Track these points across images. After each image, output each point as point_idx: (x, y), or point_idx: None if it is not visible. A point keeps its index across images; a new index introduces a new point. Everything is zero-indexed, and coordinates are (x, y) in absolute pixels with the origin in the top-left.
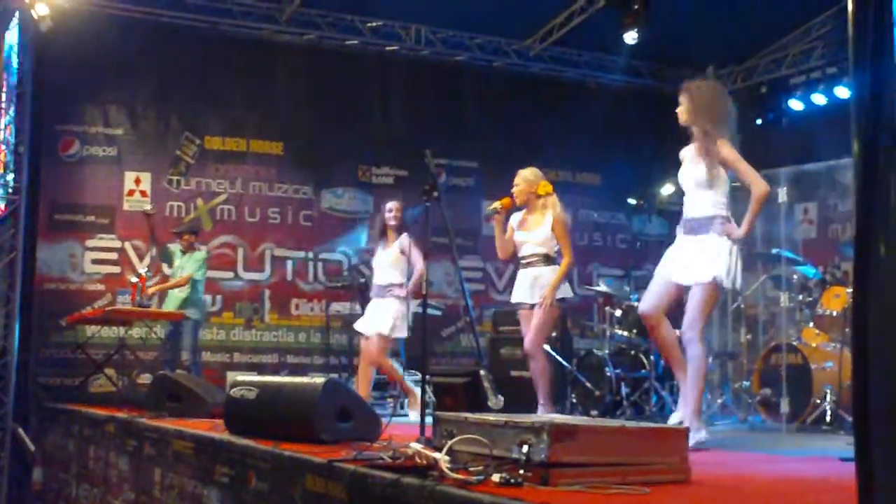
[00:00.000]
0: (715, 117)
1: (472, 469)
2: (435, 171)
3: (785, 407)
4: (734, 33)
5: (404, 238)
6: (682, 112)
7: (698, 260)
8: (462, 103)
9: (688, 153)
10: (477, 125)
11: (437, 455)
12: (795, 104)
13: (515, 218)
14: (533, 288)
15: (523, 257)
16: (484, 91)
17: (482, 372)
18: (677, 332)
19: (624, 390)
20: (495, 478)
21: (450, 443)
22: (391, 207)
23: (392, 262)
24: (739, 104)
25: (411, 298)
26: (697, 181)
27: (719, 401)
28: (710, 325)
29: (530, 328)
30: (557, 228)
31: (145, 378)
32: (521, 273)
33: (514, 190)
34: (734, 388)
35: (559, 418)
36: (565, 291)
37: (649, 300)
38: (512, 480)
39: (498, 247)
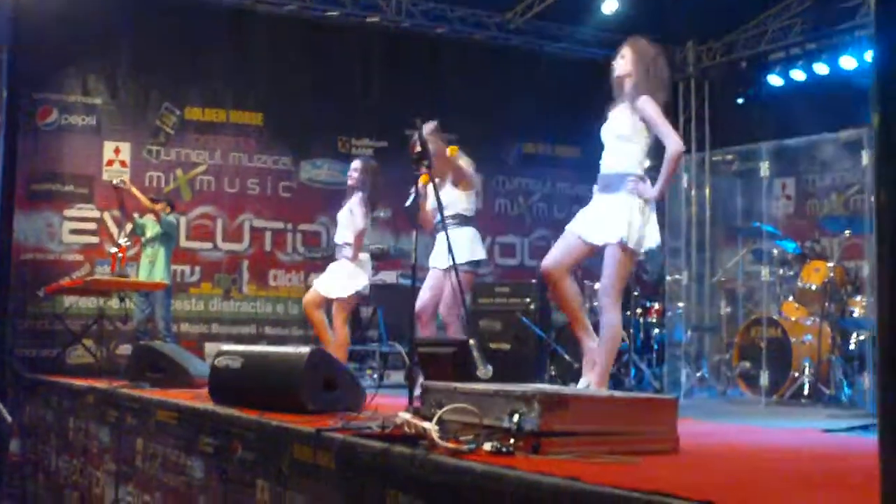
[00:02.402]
0: (650, 74)
1: (462, 438)
2: (425, 139)
3: (764, 380)
4: (713, 8)
5: (354, 197)
6: (623, 62)
7: (607, 219)
8: (442, 75)
9: (613, 108)
10: (456, 98)
11: (426, 424)
12: (775, 80)
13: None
14: (442, 252)
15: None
16: (464, 63)
17: (472, 341)
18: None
19: None
20: (486, 446)
21: (440, 412)
22: (353, 166)
23: (344, 221)
24: (719, 79)
25: (362, 260)
26: (617, 134)
27: (698, 374)
28: (687, 298)
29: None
30: (455, 176)
31: (124, 349)
32: (438, 237)
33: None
34: (713, 361)
35: (548, 388)
36: (478, 253)
37: (553, 255)
38: (503, 449)
39: (423, 221)
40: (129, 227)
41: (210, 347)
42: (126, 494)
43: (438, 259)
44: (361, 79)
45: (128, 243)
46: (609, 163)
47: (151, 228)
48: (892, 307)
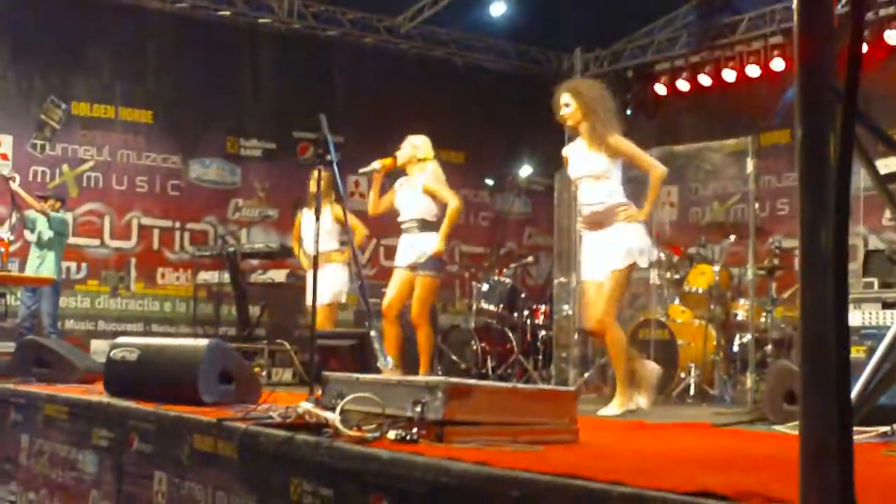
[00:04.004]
0: (604, 113)
1: (365, 427)
2: (329, 135)
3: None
4: (601, 17)
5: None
6: (571, 111)
7: (611, 249)
8: (332, 78)
9: (573, 149)
10: (346, 100)
11: (328, 414)
12: (660, 89)
13: (399, 183)
14: (408, 252)
15: (402, 222)
16: (354, 67)
17: (372, 333)
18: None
19: (490, 364)
20: (391, 435)
21: (343, 400)
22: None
23: (326, 228)
24: (607, 87)
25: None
26: (596, 174)
27: (585, 375)
28: (573, 300)
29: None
30: (429, 187)
31: (3, 346)
32: (402, 238)
33: (398, 152)
34: (600, 363)
35: (452, 378)
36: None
37: (586, 313)
38: (407, 437)
39: (370, 203)
40: (10, 220)
41: (96, 344)
42: (7, 494)
43: (402, 258)
44: (252, 79)
45: (11, 238)
46: (593, 200)
47: (42, 227)
48: (814, 317)
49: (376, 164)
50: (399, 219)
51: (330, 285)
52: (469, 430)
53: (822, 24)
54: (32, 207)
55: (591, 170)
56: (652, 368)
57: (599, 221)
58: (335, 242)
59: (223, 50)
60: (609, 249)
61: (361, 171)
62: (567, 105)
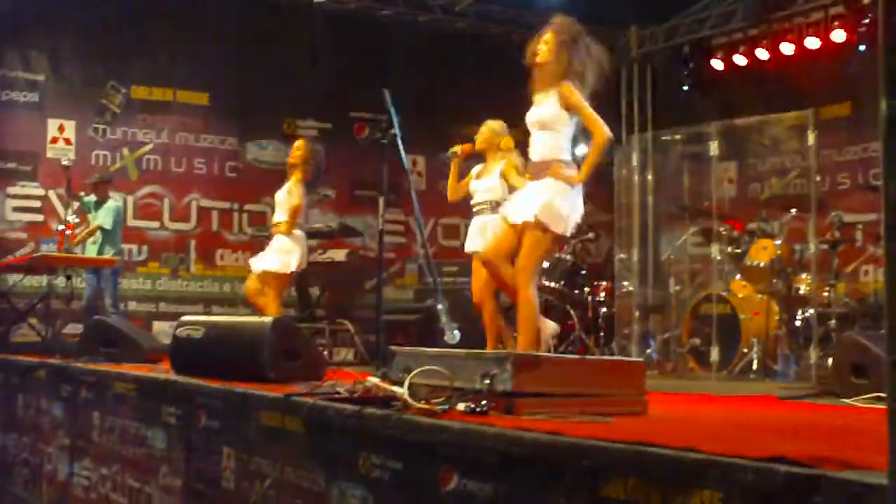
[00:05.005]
0: (573, 59)
1: (433, 401)
2: (392, 109)
3: (715, 356)
4: None
5: (293, 176)
6: (546, 49)
7: (528, 200)
8: (387, 58)
9: (538, 95)
10: (401, 80)
11: (396, 388)
12: (717, 64)
13: (477, 169)
14: (481, 236)
15: (475, 205)
16: (410, 46)
17: (439, 306)
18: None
19: (551, 341)
20: (460, 407)
21: (412, 373)
22: (296, 145)
23: (281, 200)
24: (662, 64)
25: (297, 236)
26: (540, 122)
27: (647, 351)
28: (635, 276)
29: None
30: (509, 173)
31: (70, 328)
32: (472, 221)
33: (477, 137)
34: (661, 339)
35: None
36: None
37: (488, 243)
38: (477, 409)
39: (448, 188)
40: (75, 205)
41: (158, 326)
42: (81, 469)
43: (473, 242)
44: (308, 60)
45: (76, 220)
46: (535, 150)
47: (93, 209)
48: None
49: (456, 148)
50: (472, 201)
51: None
52: (538, 402)
53: None
54: (81, 241)
55: (539, 115)
56: (547, 324)
57: (537, 173)
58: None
59: (279, 31)
60: (529, 198)
61: (443, 155)
62: (545, 43)
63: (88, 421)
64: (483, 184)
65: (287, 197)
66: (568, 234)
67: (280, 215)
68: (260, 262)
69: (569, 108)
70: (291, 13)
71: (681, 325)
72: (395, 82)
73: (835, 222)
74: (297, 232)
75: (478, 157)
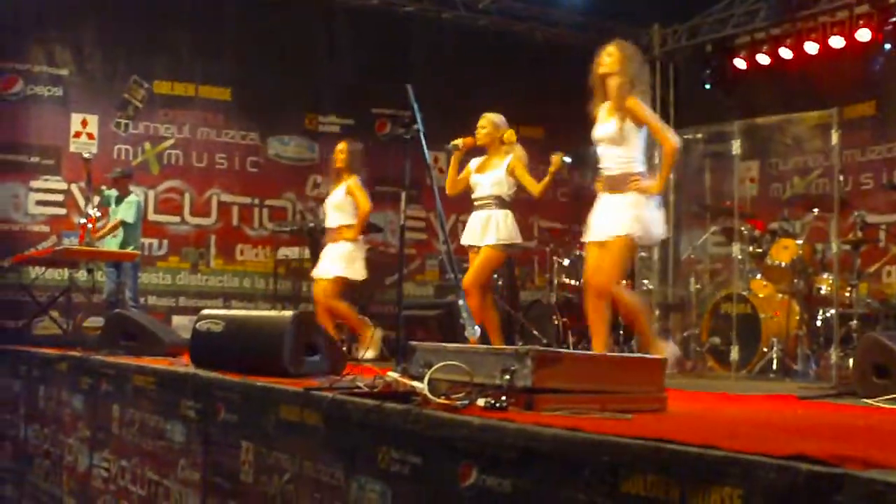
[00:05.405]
0: (635, 73)
1: (453, 396)
2: (416, 105)
3: (734, 355)
4: None
5: (351, 180)
6: (610, 61)
7: (615, 216)
8: (410, 54)
9: (602, 110)
10: (423, 76)
11: (416, 383)
12: (739, 63)
13: (476, 162)
14: (482, 230)
15: (476, 199)
16: (432, 42)
17: (460, 302)
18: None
19: (571, 338)
20: (480, 402)
21: (432, 369)
22: (339, 149)
23: (337, 204)
24: (685, 62)
25: (362, 240)
26: (610, 138)
27: None
28: (655, 275)
29: (473, 266)
30: (517, 168)
31: (91, 321)
32: (473, 215)
33: (479, 132)
34: (681, 337)
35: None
36: (514, 237)
37: (588, 269)
38: (497, 405)
39: (448, 182)
40: (96, 199)
41: (178, 320)
42: (101, 461)
43: (472, 236)
44: (330, 56)
45: (97, 214)
46: (608, 165)
47: (114, 203)
48: None
49: (458, 141)
50: (474, 195)
51: (332, 262)
52: (558, 398)
53: None
54: (104, 237)
55: (607, 131)
56: (669, 346)
57: (614, 186)
58: (347, 217)
59: (300, 26)
60: (615, 215)
61: (447, 147)
62: (609, 55)
63: (108, 413)
64: (487, 178)
65: (346, 199)
66: (659, 240)
67: (338, 219)
68: (331, 269)
69: (636, 121)
70: (313, 8)
71: (701, 324)
72: (418, 79)
73: (857, 222)
74: (361, 238)
75: (478, 150)
